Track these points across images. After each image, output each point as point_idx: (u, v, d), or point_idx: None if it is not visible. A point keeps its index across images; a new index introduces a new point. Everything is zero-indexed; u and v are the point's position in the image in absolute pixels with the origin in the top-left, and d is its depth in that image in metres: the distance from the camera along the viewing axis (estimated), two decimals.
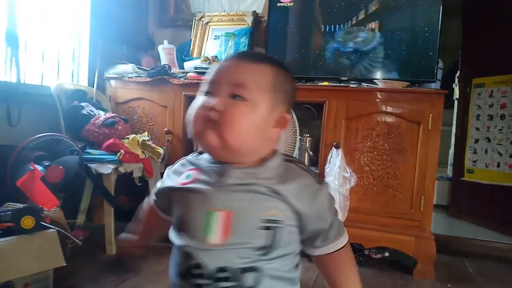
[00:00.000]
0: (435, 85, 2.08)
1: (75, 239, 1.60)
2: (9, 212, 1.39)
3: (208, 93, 0.70)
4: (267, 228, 0.66)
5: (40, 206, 1.46)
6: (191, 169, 0.74)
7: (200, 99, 0.71)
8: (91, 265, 1.81)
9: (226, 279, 0.65)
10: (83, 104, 2.14)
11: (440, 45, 2.05)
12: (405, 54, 2.10)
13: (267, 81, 0.70)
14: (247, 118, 0.67)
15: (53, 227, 1.46)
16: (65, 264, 1.43)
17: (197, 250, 0.67)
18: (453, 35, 3.14)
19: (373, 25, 2.15)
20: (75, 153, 1.86)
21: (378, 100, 2.00)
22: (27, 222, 1.37)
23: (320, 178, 0.77)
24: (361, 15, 2.17)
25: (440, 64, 2.13)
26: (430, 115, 1.90)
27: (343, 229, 0.75)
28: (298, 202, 0.68)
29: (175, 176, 0.75)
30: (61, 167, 1.71)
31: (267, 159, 0.72)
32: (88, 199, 2.31)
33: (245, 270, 0.65)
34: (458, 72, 3.04)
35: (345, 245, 0.74)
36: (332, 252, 0.73)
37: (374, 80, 2.07)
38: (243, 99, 0.67)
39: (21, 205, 1.48)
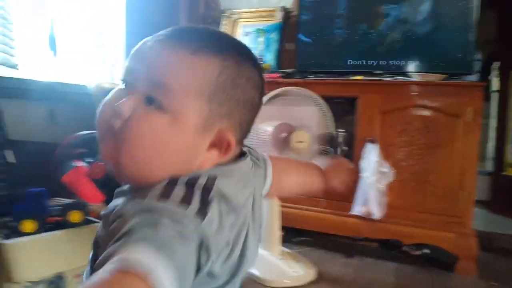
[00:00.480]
0: (474, 77, 2.02)
1: None
2: (58, 207, 1.45)
3: (124, 82, 0.51)
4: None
5: (86, 201, 1.51)
6: None
7: (114, 91, 0.52)
8: None
9: None
10: None
11: (478, 36, 1.99)
12: (441, 45, 2.05)
13: (203, 82, 0.47)
14: (161, 137, 0.46)
15: (99, 221, 1.51)
16: None
17: None
18: (490, 26, 3.04)
19: (407, 17, 2.12)
20: None
21: (414, 93, 1.96)
22: (75, 216, 1.43)
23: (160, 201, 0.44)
24: (393, 7, 2.13)
25: (478, 56, 2.07)
26: (470, 108, 1.85)
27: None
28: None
29: None
30: (103, 163, 1.77)
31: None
32: None
33: None
34: (496, 63, 2.94)
35: None
36: None
37: (409, 73, 2.04)
38: (161, 107, 0.47)
39: (68, 200, 1.54)
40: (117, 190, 0.55)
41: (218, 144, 0.50)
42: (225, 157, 0.51)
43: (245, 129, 0.53)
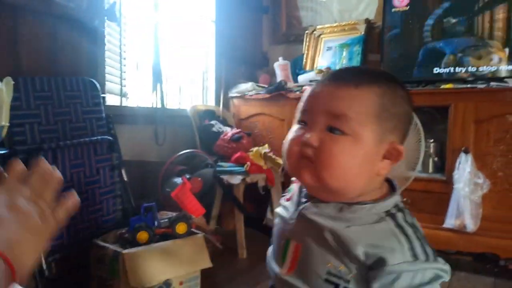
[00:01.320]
0: None
1: (217, 244, 1.79)
2: (166, 220, 1.63)
3: (302, 123, 0.62)
4: (330, 282, 0.57)
5: (190, 214, 1.67)
6: (295, 181, 0.71)
7: (293, 130, 0.63)
8: (227, 267, 1.99)
9: None
10: (212, 122, 2.39)
11: None
12: None
13: (370, 108, 0.58)
14: (348, 155, 0.57)
15: (200, 232, 1.66)
16: (211, 265, 1.61)
17: (274, 273, 0.66)
18: None
19: (497, 19, 2.02)
20: (210, 166, 2.08)
21: (510, 99, 1.86)
22: (181, 228, 1.58)
23: (424, 251, 0.55)
24: (482, 13, 2.05)
25: None
26: None
27: None
28: (369, 260, 0.55)
29: (288, 193, 0.73)
30: (200, 179, 1.95)
31: (364, 199, 0.60)
32: (218, 207, 2.54)
33: None
34: None
35: None
36: None
37: (504, 79, 1.93)
38: (342, 133, 0.57)
39: (173, 213, 1.72)
40: (308, 208, 0.63)
41: (388, 154, 0.60)
42: (395, 163, 0.61)
43: (405, 139, 0.63)
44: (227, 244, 2.28)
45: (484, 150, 1.91)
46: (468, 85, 2.01)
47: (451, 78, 2.11)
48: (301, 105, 0.63)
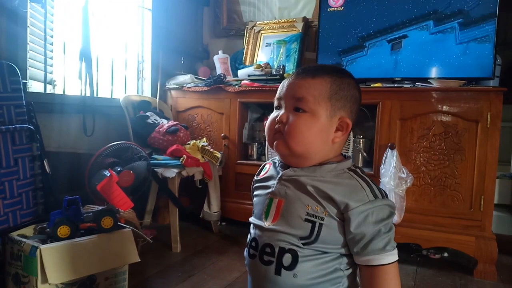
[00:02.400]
0: (494, 82, 2.02)
1: (147, 238, 1.75)
2: (91, 214, 1.55)
3: (277, 108, 0.82)
4: (309, 220, 0.74)
5: (117, 208, 1.61)
6: (269, 163, 0.90)
7: (271, 114, 0.83)
8: (159, 261, 1.95)
9: (268, 254, 0.77)
10: (148, 113, 2.32)
11: (499, 39, 1.99)
12: (460, 51, 2.06)
13: (323, 92, 0.77)
14: (307, 126, 0.76)
15: (128, 226, 1.61)
16: (139, 260, 1.57)
17: (257, 228, 0.81)
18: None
19: (426, 21, 2.14)
20: (143, 159, 2.02)
21: (433, 99, 1.98)
22: (107, 222, 1.52)
23: (380, 192, 0.76)
24: (413, 14, 2.16)
25: (499, 60, 2.07)
26: (489, 113, 1.86)
27: (391, 249, 0.73)
28: (343, 205, 0.72)
29: (261, 170, 0.92)
30: (131, 172, 1.88)
31: (328, 161, 0.79)
32: (153, 201, 2.49)
33: (285, 251, 0.75)
34: None
35: (385, 264, 0.73)
36: (370, 266, 0.73)
37: (428, 80, 2.06)
38: (304, 111, 0.77)
39: (99, 207, 1.65)
40: (286, 172, 0.81)
41: (339, 127, 0.79)
42: (346, 134, 0.80)
43: (354, 116, 0.82)
44: (161, 239, 2.24)
45: (408, 146, 2.03)
46: (395, 85, 2.12)
47: (381, 77, 2.21)
48: (276, 95, 0.83)
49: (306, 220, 0.74)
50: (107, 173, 1.74)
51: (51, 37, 1.97)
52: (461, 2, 2.05)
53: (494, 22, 1.98)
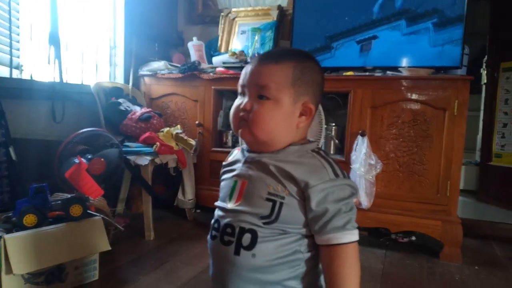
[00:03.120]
0: (461, 71, 2.08)
1: (118, 226, 1.73)
2: (59, 202, 1.53)
3: (241, 94, 0.82)
4: (270, 200, 0.74)
5: (86, 196, 1.59)
6: (238, 148, 0.90)
7: (236, 100, 0.82)
8: (132, 250, 1.94)
9: (229, 234, 0.77)
10: (120, 100, 2.29)
11: (467, 30, 2.04)
12: (430, 40, 2.10)
13: (286, 78, 0.77)
14: (271, 114, 0.76)
15: (98, 214, 1.59)
16: (110, 249, 1.56)
17: (220, 210, 0.82)
18: (480, 20, 3.08)
19: (398, 12, 2.17)
20: (115, 146, 2.00)
21: (403, 88, 2.02)
22: (75, 210, 1.50)
23: (342, 172, 0.76)
24: (386, 4, 2.19)
25: (466, 50, 2.12)
26: (456, 101, 1.91)
27: (351, 228, 0.73)
28: (303, 183, 0.73)
29: (229, 156, 0.92)
30: (102, 159, 1.86)
31: (292, 144, 0.80)
32: (126, 189, 2.46)
33: (244, 231, 0.75)
34: (486, 57, 2.99)
35: (345, 243, 0.72)
36: (330, 246, 0.73)
37: (399, 68, 2.09)
38: (267, 98, 0.76)
39: (68, 195, 1.63)
40: (251, 155, 0.82)
41: (303, 112, 0.79)
42: (310, 118, 0.81)
43: (318, 99, 0.82)
44: (135, 227, 2.22)
45: (378, 133, 2.07)
46: (367, 73, 2.15)
47: (353, 66, 2.23)
48: (239, 81, 0.82)
49: (267, 199, 0.74)
50: (76, 160, 1.71)
51: (17, 19, 1.91)
52: None
53: (463, 13, 2.02)
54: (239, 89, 0.82)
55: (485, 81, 3.00)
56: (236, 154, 0.89)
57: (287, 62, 0.78)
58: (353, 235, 0.74)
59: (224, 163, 0.91)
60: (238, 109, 0.80)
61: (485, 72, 3.00)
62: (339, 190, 0.73)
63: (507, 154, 2.78)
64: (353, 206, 0.76)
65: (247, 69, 0.81)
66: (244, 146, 0.87)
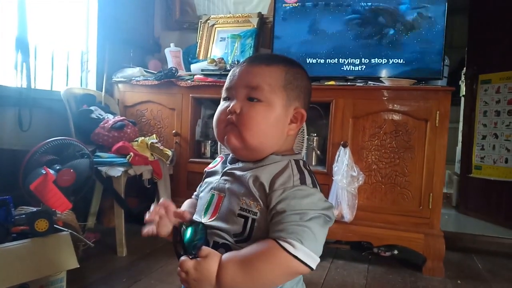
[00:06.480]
0: (442, 83, 2.08)
1: (87, 242, 1.62)
2: (23, 216, 1.42)
3: (226, 99, 0.77)
4: (241, 216, 0.69)
5: (53, 209, 1.48)
6: (220, 156, 0.85)
7: (220, 105, 0.77)
8: (103, 267, 1.83)
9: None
10: (92, 108, 2.17)
11: (446, 42, 2.05)
12: (411, 51, 2.10)
13: (278, 80, 0.74)
14: (263, 117, 0.72)
15: (66, 229, 1.48)
16: (78, 266, 1.45)
17: None
18: (459, 32, 3.13)
19: (380, 23, 2.16)
20: (86, 156, 1.88)
21: (385, 98, 2.00)
22: (41, 225, 1.39)
23: (313, 183, 0.70)
24: (367, 14, 2.17)
25: (447, 61, 2.13)
26: (438, 112, 1.90)
27: (299, 243, 0.63)
28: (267, 186, 0.68)
29: (212, 163, 0.87)
30: (72, 170, 1.74)
31: (275, 153, 0.75)
32: (98, 202, 2.33)
33: (218, 245, 0.71)
34: (465, 69, 3.03)
35: (284, 248, 0.63)
36: (272, 239, 0.65)
37: (380, 79, 2.08)
38: (259, 100, 0.72)
39: (34, 209, 1.51)
40: (230, 167, 0.77)
41: (294, 119, 0.76)
42: (301, 125, 0.77)
43: (307, 107, 0.79)
44: (106, 242, 2.10)
45: (360, 144, 2.03)
46: (348, 83, 2.12)
47: (335, 75, 2.20)
48: (225, 85, 0.78)
49: (239, 215, 0.70)
50: (43, 171, 1.59)
51: None
52: (414, 6, 2.09)
53: (443, 25, 2.03)
54: (224, 94, 0.77)
55: (464, 93, 3.04)
56: (218, 162, 0.84)
57: (279, 65, 0.76)
58: (299, 252, 0.63)
59: (206, 169, 0.86)
60: (224, 112, 0.75)
61: (464, 84, 3.04)
62: (300, 197, 0.66)
63: (487, 166, 2.81)
64: (316, 226, 0.66)
65: (235, 71, 0.77)
66: (228, 154, 0.82)
